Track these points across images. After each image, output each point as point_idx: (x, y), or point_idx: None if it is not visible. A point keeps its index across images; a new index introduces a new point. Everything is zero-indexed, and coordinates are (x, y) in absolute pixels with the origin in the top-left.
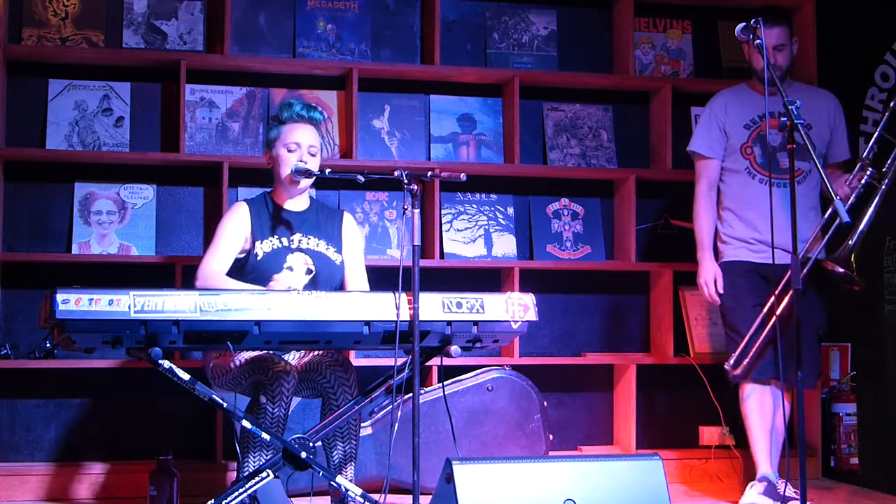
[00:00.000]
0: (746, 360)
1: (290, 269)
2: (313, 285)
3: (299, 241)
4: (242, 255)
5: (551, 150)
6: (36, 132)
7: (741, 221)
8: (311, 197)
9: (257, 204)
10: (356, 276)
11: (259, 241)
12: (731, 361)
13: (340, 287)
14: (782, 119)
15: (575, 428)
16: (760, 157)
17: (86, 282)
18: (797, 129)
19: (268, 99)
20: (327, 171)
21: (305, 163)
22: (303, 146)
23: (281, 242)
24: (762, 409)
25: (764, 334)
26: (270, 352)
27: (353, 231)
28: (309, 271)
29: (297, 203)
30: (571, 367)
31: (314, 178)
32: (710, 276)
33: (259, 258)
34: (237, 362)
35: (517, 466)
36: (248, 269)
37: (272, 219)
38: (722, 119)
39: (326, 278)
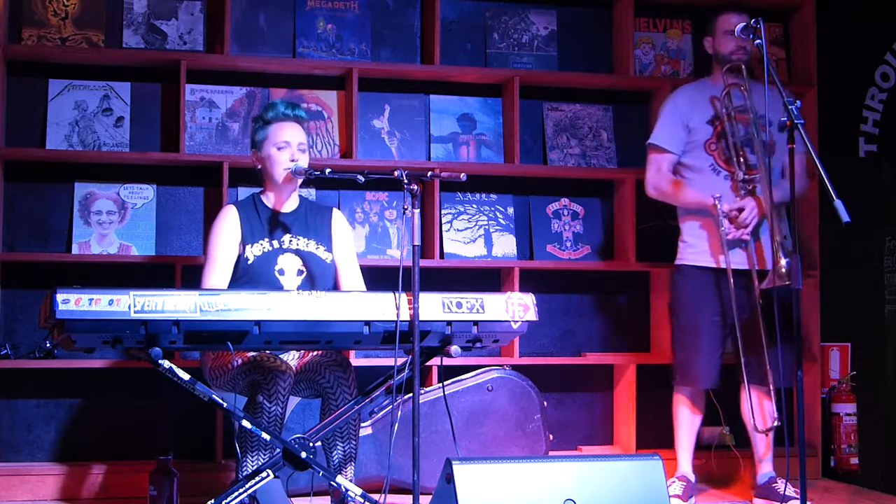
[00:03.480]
0: (693, 367)
1: (282, 271)
2: (306, 286)
3: (290, 241)
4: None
5: (551, 150)
6: (36, 132)
7: (706, 222)
8: (300, 196)
9: (246, 207)
10: (349, 274)
11: (249, 245)
12: (677, 376)
13: (334, 285)
14: (782, 119)
15: (575, 428)
16: (725, 153)
17: (86, 282)
18: (797, 129)
19: (268, 99)
20: (327, 170)
21: (297, 160)
22: (292, 144)
23: (271, 245)
24: (692, 414)
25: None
26: (267, 352)
27: (342, 228)
28: (300, 272)
29: (287, 203)
30: (571, 367)
31: (313, 177)
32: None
33: (250, 262)
34: (235, 363)
35: (517, 466)
36: (239, 274)
37: (261, 221)
38: (686, 114)
39: (319, 278)
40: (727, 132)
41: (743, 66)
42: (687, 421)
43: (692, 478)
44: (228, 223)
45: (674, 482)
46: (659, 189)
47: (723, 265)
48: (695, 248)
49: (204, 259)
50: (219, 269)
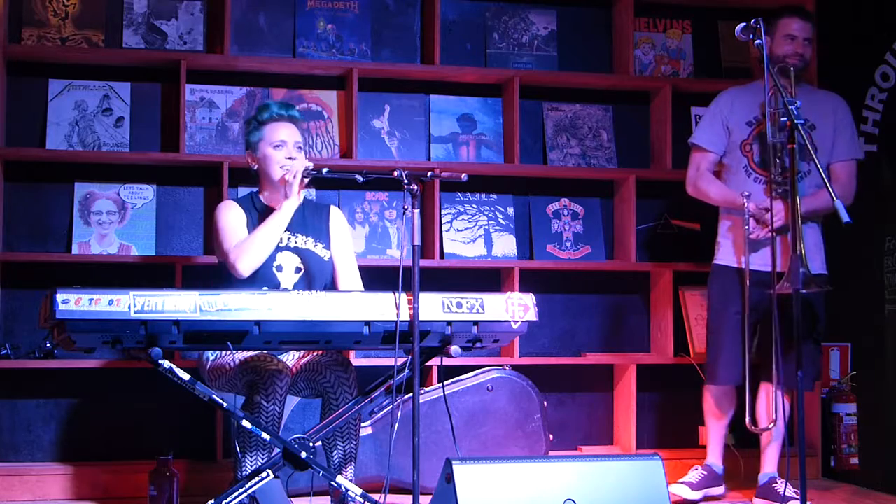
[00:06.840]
0: (716, 365)
1: (280, 268)
2: (304, 283)
3: (288, 239)
4: None
5: (551, 150)
6: (36, 132)
7: (736, 222)
8: None
9: (245, 204)
10: (347, 272)
11: None
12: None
13: (332, 282)
14: (782, 119)
15: (575, 428)
16: (758, 156)
17: (86, 282)
18: (797, 129)
19: (268, 99)
20: (324, 170)
21: (294, 159)
22: (288, 143)
23: None
24: (717, 410)
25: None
26: (265, 352)
27: (340, 225)
28: (298, 269)
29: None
30: (571, 367)
31: (313, 176)
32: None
33: None
34: (232, 363)
35: (517, 466)
36: None
37: (260, 219)
38: (726, 115)
39: (317, 275)
40: (767, 134)
41: (791, 71)
42: (712, 418)
43: (718, 469)
44: (235, 210)
45: (696, 469)
46: (696, 187)
47: (752, 267)
48: (724, 249)
49: (218, 235)
50: (238, 233)
